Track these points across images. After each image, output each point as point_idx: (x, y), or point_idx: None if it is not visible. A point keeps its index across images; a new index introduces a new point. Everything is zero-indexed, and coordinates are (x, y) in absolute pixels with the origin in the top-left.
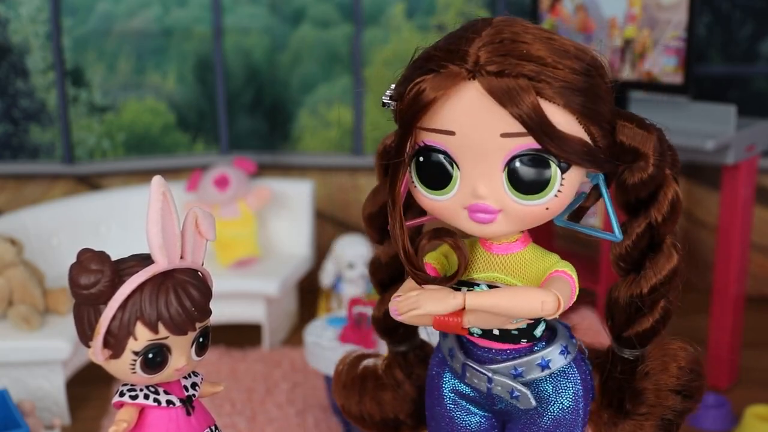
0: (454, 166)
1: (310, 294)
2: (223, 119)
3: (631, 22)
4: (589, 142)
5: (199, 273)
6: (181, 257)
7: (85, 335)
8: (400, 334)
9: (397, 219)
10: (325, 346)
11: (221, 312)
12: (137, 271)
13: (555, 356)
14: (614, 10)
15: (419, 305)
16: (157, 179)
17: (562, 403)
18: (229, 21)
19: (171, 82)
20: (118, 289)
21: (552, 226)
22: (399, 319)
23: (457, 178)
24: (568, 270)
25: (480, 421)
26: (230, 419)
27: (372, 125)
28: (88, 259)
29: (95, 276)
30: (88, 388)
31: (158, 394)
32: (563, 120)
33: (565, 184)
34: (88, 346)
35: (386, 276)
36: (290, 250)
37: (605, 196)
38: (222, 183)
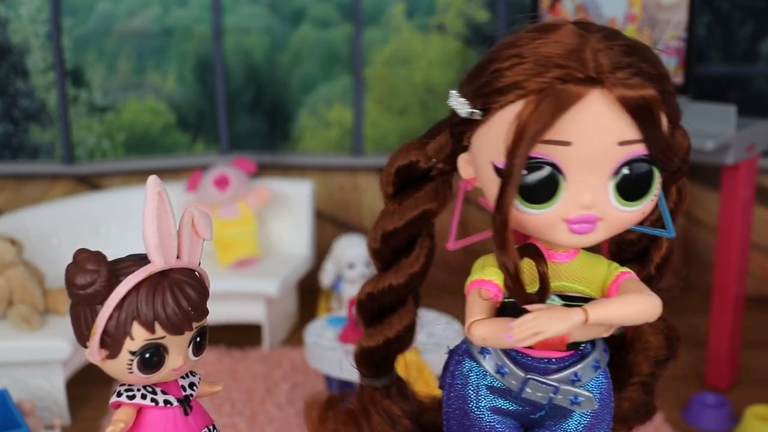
0: (560, 177)
1: (310, 294)
2: (223, 119)
3: (631, 22)
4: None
5: (196, 273)
6: (178, 257)
7: (82, 335)
8: (384, 366)
9: (509, 240)
10: (326, 346)
11: (221, 312)
12: (133, 271)
13: (602, 355)
14: (614, 10)
15: (543, 328)
16: (152, 179)
17: (602, 398)
18: (229, 21)
19: (171, 82)
20: (115, 289)
21: None
22: (511, 345)
23: (563, 190)
24: (630, 271)
25: (513, 429)
26: (230, 419)
27: (372, 125)
28: (85, 259)
29: (92, 276)
30: (88, 388)
31: (156, 393)
32: (665, 125)
33: (658, 187)
34: (85, 347)
35: (395, 301)
36: (290, 250)
37: (661, 195)
38: (222, 183)
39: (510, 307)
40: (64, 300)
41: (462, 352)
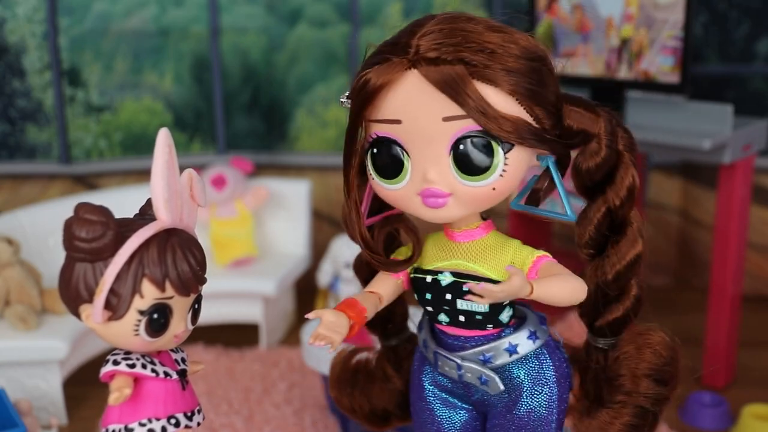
0: (405, 154)
1: (307, 294)
2: (220, 119)
3: (628, 21)
4: (531, 122)
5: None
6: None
7: (77, 298)
8: (389, 328)
9: (352, 206)
10: (323, 346)
11: (218, 312)
12: (140, 227)
13: (522, 341)
14: (611, 9)
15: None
16: (163, 131)
17: (534, 389)
18: (226, 21)
19: (168, 81)
20: (124, 244)
21: (548, 225)
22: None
23: (409, 166)
24: (548, 254)
25: (462, 414)
26: (227, 419)
27: None
28: (90, 212)
29: (102, 228)
30: (85, 387)
31: (155, 364)
32: (501, 101)
33: (509, 164)
34: (77, 312)
35: (369, 273)
36: (287, 249)
37: (555, 177)
38: (219, 183)
39: (412, 283)
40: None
41: None
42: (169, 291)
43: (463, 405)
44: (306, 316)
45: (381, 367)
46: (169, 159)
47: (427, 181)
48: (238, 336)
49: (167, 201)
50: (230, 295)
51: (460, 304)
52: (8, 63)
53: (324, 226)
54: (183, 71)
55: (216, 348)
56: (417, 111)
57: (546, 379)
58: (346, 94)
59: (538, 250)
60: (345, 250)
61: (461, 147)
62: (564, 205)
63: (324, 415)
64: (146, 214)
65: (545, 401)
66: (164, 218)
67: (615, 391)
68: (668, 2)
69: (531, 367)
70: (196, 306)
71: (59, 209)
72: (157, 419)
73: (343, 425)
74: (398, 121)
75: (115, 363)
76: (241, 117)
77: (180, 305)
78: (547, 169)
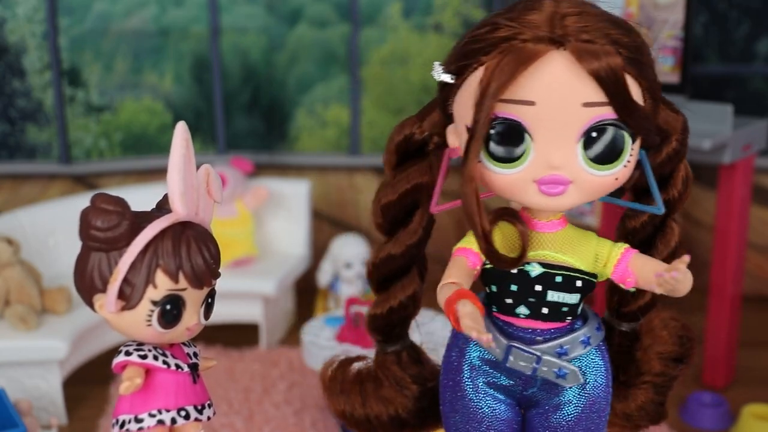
0: (527, 137)
1: (307, 294)
2: (220, 119)
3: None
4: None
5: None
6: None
7: (91, 288)
8: (395, 333)
9: (474, 197)
10: (323, 346)
11: (218, 312)
12: (156, 219)
13: (594, 333)
14: (611, 9)
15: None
16: (181, 125)
17: (596, 380)
18: (226, 21)
19: (168, 81)
20: (139, 234)
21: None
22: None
23: (530, 150)
24: (629, 246)
25: (506, 409)
26: (227, 419)
27: (369, 125)
28: (106, 202)
29: (117, 217)
30: (85, 387)
31: (167, 356)
32: (636, 91)
33: (632, 155)
34: (91, 303)
35: (397, 270)
36: (287, 249)
37: (647, 168)
38: None
39: (490, 274)
40: (61, 300)
41: None
42: (183, 282)
43: (507, 399)
44: (460, 312)
45: (389, 373)
46: (186, 152)
47: (551, 167)
48: (237, 336)
49: (183, 194)
50: (230, 295)
51: (551, 296)
52: (8, 63)
53: (324, 226)
54: (183, 71)
55: (216, 348)
56: (556, 93)
57: (604, 371)
58: (440, 68)
59: (620, 243)
60: (345, 249)
61: (594, 135)
62: (654, 196)
63: (324, 415)
64: (163, 208)
65: (604, 392)
66: (180, 211)
67: (641, 373)
68: (668, 2)
69: (591, 359)
70: (210, 300)
71: (59, 209)
72: (167, 410)
73: (343, 426)
74: (532, 103)
75: (127, 354)
76: (241, 117)
77: (193, 298)
78: (638, 162)
